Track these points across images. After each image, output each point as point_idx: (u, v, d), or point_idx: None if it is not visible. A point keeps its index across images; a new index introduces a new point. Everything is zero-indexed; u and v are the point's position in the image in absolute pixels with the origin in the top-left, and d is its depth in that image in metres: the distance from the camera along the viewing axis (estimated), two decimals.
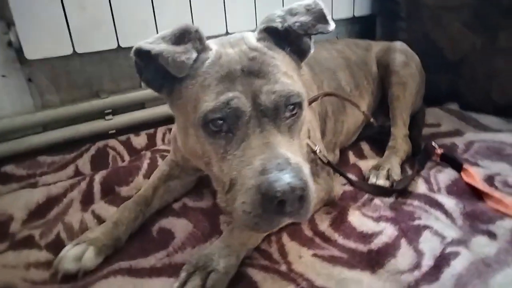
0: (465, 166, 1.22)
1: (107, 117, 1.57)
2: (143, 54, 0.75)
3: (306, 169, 0.72)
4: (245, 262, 0.90)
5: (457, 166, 1.25)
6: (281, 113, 0.75)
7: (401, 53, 1.44)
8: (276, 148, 0.71)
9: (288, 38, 0.84)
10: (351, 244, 0.94)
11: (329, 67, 1.34)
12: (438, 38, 1.76)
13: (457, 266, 0.80)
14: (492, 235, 0.94)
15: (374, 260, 0.88)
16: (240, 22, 1.65)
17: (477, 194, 1.12)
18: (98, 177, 1.29)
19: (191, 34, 0.77)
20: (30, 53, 1.29)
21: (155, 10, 1.46)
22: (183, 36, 0.76)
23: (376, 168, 1.25)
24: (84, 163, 1.45)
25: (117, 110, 1.61)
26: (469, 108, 1.72)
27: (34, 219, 1.14)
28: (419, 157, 1.32)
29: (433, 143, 1.33)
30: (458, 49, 1.72)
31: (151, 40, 0.76)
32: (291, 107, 0.77)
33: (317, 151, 1.02)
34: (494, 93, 1.67)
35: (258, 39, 0.83)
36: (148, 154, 1.45)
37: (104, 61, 1.56)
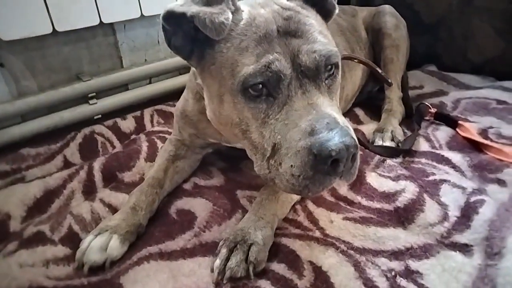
0: (461, 122, 1.28)
1: (91, 101, 1.47)
2: (172, 19, 0.70)
3: (351, 128, 0.71)
4: (278, 233, 0.90)
5: (452, 123, 1.31)
6: (321, 73, 0.74)
7: (391, 16, 1.46)
8: (321, 108, 0.70)
9: None
10: (376, 204, 0.96)
11: None
12: (415, 1, 1.80)
13: (486, 212, 0.84)
14: (502, 183, 1.00)
15: (403, 217, 0.91)
16: None
17: (476, 147, 1.18)
18: (97, 165, 1.21)
19: None
20: (6, 34, 1.17)
21: None
22: None
23: (380, 130, 1.28)
24: (72, 153, 1.36)
25: (100, 94, 1.51)
26: (447, 69, 1.79)
27: (35, 215, 1.06)
28: (415, 117, 1.36)
29: (426, 103, 1.38)
30: (434, 11, 1.77)
31: (181, 2, 0.71)
32: (329, 67, 0.75)
33: None
34: (470, 53, 1.74)
35: None
36: (143, 137, 1.38)
37: (82, 40, 1.44)
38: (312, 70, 0.72)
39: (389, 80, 1.08)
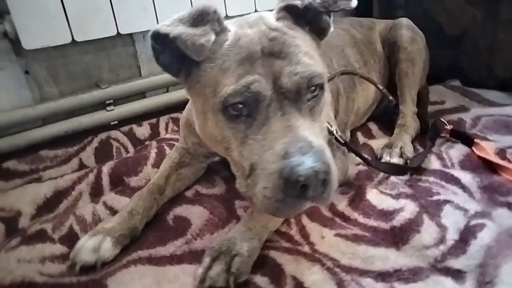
0: (476, 140, 1.22)
1: (108, 108, 1.54)
2: (160, 38, 0.72)
3: (328, 152, 0.70)
4: (267, 245, 0.89)
5: (468, 141, 1.25)
6: (303, 95, 0.73)
7: (408, 29, 1.42)
8: (298, 131, 0.69)
9: (307, 17, 0.81)
10: (372, 222, 0.93)
11: (337, 44, 1.32)
12: (437, 13, 1.74)
13: (484, 237, 0.79)
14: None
15: (398, 237, 0.87)
16: (239, 4, 1.61)
17: (491, 167, 1.12)
18: (106, 169, 1.26)
19: (209, 15, 0.73)
20: (28, 43, 1.25)
21: None
22: (201, 18, 0.73)
23: (389, 146, 1.24)
24: (88, 156, 1.42)
25: (117, 101, 1.57)
26: (471, 84, 1.71)
27: (43, 214, 1.12)
28: (429, 134, 1.31)
29: (442, 120, 1.33)
30: (458, 24, 1.71)
31: (168, 23, 0.73)
32: (313, 88, 0.74)
33: (334, 131, 1.00)
34: (496, 67, 1.66)
35: (278, 19, 0.79)
36: (154, 143, 1.42)
37: (102, 50, 1.51)
38: (293, 92, 0.72)
39: (390, 97, 1.04)
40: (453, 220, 0.88)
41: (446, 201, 0.95)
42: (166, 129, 1.61)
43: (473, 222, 0.85)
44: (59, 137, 1.45)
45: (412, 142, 1.34)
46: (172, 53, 0.75)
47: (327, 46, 1.27)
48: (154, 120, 1.64)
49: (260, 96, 0.70)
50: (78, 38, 1.32)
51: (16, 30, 1.22)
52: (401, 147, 1.22)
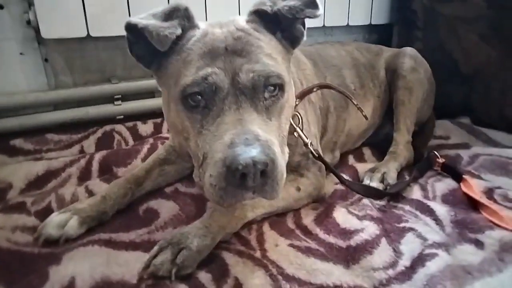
0: (465, 177, 1.18)
1: (116, 103, 1.62)
2: (133, 29, 0.77)
3: (276, 147, 0.72)
4: (222, 246, 0.90)
5: (458, 177, 1.21)
6: (259, 92, 0.76)
7: (410, 58, 1.42)
8: (247, 124, 0.71)
9: (281, 24, 0.85)
10: (330, 239, 0.93)
11: (335, 64, 1.34)
12: (453, 49, 1.72)
13: (431, 267, 0.77)
14: (479, 244, 0.90)
15: (350, 255, 0.86)
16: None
17: (474, 205, 1.08)
18: (98, 156, 1.32)
19: (180, 11, 0.80)
20: (46, 32, 1.35)
21: None
22: (172, 13, 0.79)
23: (372, 170, 1.23)
24: (89, 145, 1.49)
25: (127, 96, 1.65)
26: (481, 123, 1.67)
27: (32, 189, 1.19)
28: (418, 164, 1.29)
29: (435, 152, 1.30)
30: (473, 62, 1.68)
31: (142, 16, 0.79)
32: (271, 88, 0.77)
33: (309, 144, 1.01)
34: (507, 109, 1.61)
35: (247, 21, 0.85)
36: (151, 140, 1.48)
37: (118, 48, 1.61)
38: (249, 88, 0.75)
39: (364, 113, 1.05)
40: (410, 248, 0.86)
41: (410, 229, 0.93)
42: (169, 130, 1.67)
43: (427, 251, 0.83)
44: (66, 123, 1.54)
45: (402, 171, 1.32)
46: (146, 45, 0.80)
47: (323, 65, 1.30)
48: (158, 120, 1.70)
49: (217, 88, 0.74)
50: (93, 33, 1.42)
51: (37, 20, 1.33)
52: (384, 173, 1.20)
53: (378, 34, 2.21)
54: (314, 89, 1.05)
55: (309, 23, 2.03)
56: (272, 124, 0.78)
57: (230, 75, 0.75)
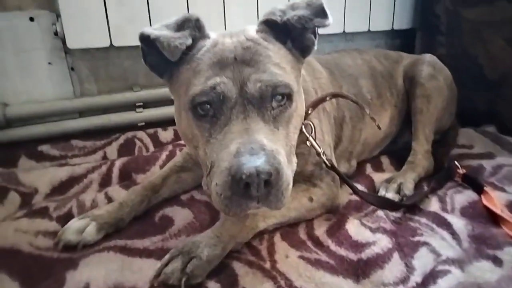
0: (487, 189, 1.15)
1: (138, 110, 1.67)
2: (146, 40, 0.80)
3: (281, 157, 0.72)
4: (233, 255, 0.91)
5: (479, 188, 1.18)
6: (267, 102, 0.77)
7: (428, 65, 1.39)
8: (254, 134, 0.72)
9: (291, 34, 0.86)
10: (341, 251, 0.92)
11: (351, 73, 1.33)
12: (478, 54, 1.67)
13: (442, 284, 0.76)
14: (497, 261, 0.87)
15: (361, 269, 0.85)
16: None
17: (495, 219, 1.05)
18: (118, 163, 1.37)
19: (191, 22, 0.82)
20: (72, 43, 1.42)
21: (189, 6, 1.54)
22: (184, 24, 0.81)
23: (388, 181, 1.21)
24: (112, 151, 1.54)
25: (148, 104, 1.70)
26: (508, 131, 1.60)
27: (55, 194, 1.24)
28: (438, 175, 1.26)
29: (456, 163, 1.27)
30: (498, 67, 1.62)
31: (155, 27, 0.82)
32: (279, 97, 0.78)
33: (321, 154, 1.01)
34: None
35: (257, 31, 0.86)
36: (170, 147, 1.51)
37: (140, 57, 1.65)
38: (257, 98, 0.76)
39: (377, 123, 1.03)
40: (423, 263, 0.85)
41: (425, 243, 0.91)
42: None
43: (439, 268, 0.81)
44: (91, 130, 1.60)
45: (420, 181, 1.29)
46: (159, 54, 0.82)
47: (340, 74, 1.29)
48: None
49: (225, 97, 0.75)
50: (116, 43, 1.47)
51: (64, 31, 1.39)
52: (400, 183, 1.18)
53: (400, 39, 2.17)
54: (327, 98, 1.04)
55: (329, 29, 2.02)
56: (279, 133, 0.78)
57: (239, 84, 0.76)
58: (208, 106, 0.77)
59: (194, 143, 0.83)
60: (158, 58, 0.84)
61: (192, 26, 0.82)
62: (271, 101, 0.78)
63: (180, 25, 0.82)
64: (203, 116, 0.78)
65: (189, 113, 0.80)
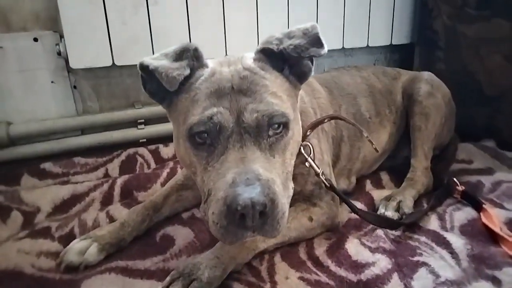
0: (485, 206, 1.15)
1: (139, 127, 1.69)
2: (146, 69, 0.82)
3: (277, 186, 0.73)
4: (233, 276, 0.92)
5: (478, 205, 1.18)
6: (263, 131, 0.78)
7: (426, 83, 1.40)
8: (250, 163, 0.74)
9: (289, 61, 0.87)
10: (341, 272, 0.92)
11: (350, 92, 1.34)
12: (477, 70, 1.69)
13: None
14: (496, 282, 0.88)
15: None
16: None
17: (494, 238, 1.05)
18: (120, 181, 1.38)
19: (189, 52, 0.83)
20: (75, 63, 1.44)
21: (190, 28, 1.57)
22: (182, 54, 0.83)
23: (387, 199, 1.22)
24: (113, 168, 1.56)
25: (149, 121, 1.72)
26: (507, 146, 1.61)
27: (57, 213, 1.25)
28: (437, 192, 1.27)
29: (454, 179, 1.27)
30: (497, 83, 1.64)
31: (155, 56, 0.84)
32: (276, 126, 0.79)
33: (320, 174, 1.02)
34: None
35: (254, 60, 0.87)
36: (171, 163, 1.52)
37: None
38: (253, 127, 0.77)
39: (374, 146, 1.04)
40: (422, 284, 0.85)
41: (424, 264, 0.92)
42: None
43: None
44: (93, 147, 1.62)
45: (420, 198, 1.30)
46: (158, 83, 0.83)
47: (339, 93, 1.31)
48: None
49: (221, 127, 0.77)
50: (118, 62, 1.50)
51: (67, 51, 1.42)
52: (399, 201, 1.19)
53: (399, 54, 2.19)
54: (325, 120, 1.06)
55: (328, 45, 2.04)
56: (276, 161, 0.79)
57: (236, 114, 0.78)
58: (206, 135, 0.79)
59: (192, 169, 0.85)
60: (157, 86, 0.85)
61: (190, 55, 0.83)
62: (268, 130, 0.79)
63: (179, 55, 0.83)
64: (200, 145, 0.80)
65: (187, 141, 0.81)
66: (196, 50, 0.85)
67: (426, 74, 1.45)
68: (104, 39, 1.46)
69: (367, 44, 1.97)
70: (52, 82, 1.55)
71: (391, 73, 1.53)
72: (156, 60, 0.82)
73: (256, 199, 0.67)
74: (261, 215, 0.69)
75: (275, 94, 0.81)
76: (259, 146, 0.78)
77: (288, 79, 0.89)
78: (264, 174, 0.73)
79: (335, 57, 2.04)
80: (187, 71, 0.82)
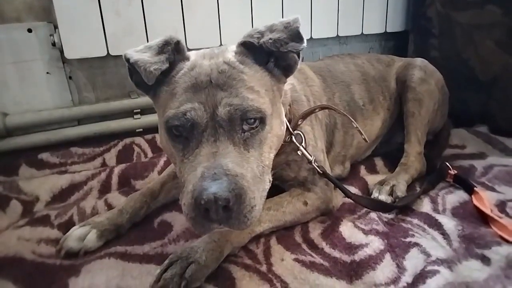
0: (477, 189, 1.18)
1: (135, 116, 1.69)
2: (129, 60, 0.83)
3: (245, 181, 0.74)
4: (230, 259, 0.94)
5: (469, 188, 1.21)
6: (237, 125, 0.79)
7: (420, 69, 1.42)
8: (220, 158, 0.75)
9: (274, 53, 0.86)
10: (335, 253, 0.95)
11: (344, 80, 1.36)
12: (470, 56, 1.70)
13: (431, 284, 0.78)
14: (486, 260, 0.90)
15: (354, 271, 0.88)
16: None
17: (484, 219, 1.08)
18: (117, 170, 1.39)
19: (171, 45, 0.84)
20: (70, 53, 1.45)
21: (184, 18, 1.57)
22: (163, 47, 0.84)
23: (381, 183, 1.24)
24: (111, 157, 1.57)
25: (145, 110, 1.72)
26: (501, 132, 1.63)
27: (56, 202, 1.27)
28: (430, 176, 1.29)
29: (447, 164, 1.30)
30: (490, 69, 1.65)
31: (139, 48, 0.85)
32: (251, 121, 0.80)
33: (313, 162, 1.04)
34: None
35: (235, 53, 0.87)
36: None
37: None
38: (226, 121, 0.78)
39: (364, 137, 1.05)
40: (413, 264, 0.87)
41: (416, 244, 0.94)
42: None
43: (429, 268, 0.84)
44: (90, 137, 1.63)
45: (413, 183, 1.32)
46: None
47: (332, 81, 1.32)
48: None
49: (195, 123, 0.78)
50: (112, 52, 1.50)
51: (62, 42, 1.42)
52: (393, 185, 1.21)
53: (394, 41, 2.20)
54: (317, 110, 1.07)
55: (323, 33, 2.04)
56: (250, 155, 0.80)
57: (211, 108, 0.78)
58: (182, 128, 0.80)
59: (173, 160, 0.88)
60: (142, 77, 0.85)
61: (171, 49, 0.84)
62: (241, 125, 0.80)
63: (161, 47, 0.84)
64: (177, 137, 0.81)
65: (166, 133, 0.83)
66: (178, 43, 0.85)
67: (419, 61, 1.46)
68: (98, 29, 1.46)
69: (362, 32, 1.98)
70: (47, 73, 1.55)
71: (385, 60, 1.54)
72: (139, 53, 0.83)
73: (219, 194, 0.68)
74: (226, 209, 0.70)
75: (252, 88, 0.82)
76: (233, 140, 0.79)
77: (272, 73, 0.89)
78: (233, 169, 0.74)
79: (329, 45, 2.05)
80: (165, 66, 0.82)
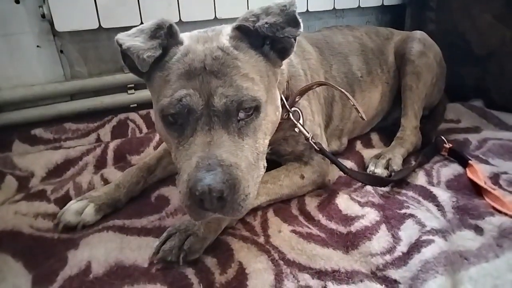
0: (471, 162, 1.19)
1: (129, 91, 1.67)
2: (121, 46, 0.80)
3: (239, 171, 0.73)
4: (228, 231, 0.95)
5: (464, 161, 1.22)
6: (232, 116, 0.78)
7: (419, 42, 1.40)
8: (215, 148, 0.74)
9: (269, 36, 0.83)
10: (332, 225, 0.96)
11: (341, 51, 1.34)
12: (467, 30, 1.69)
13: (426, 253, 0.80)
14: (479, 230, 0.92)
15: (350, 241, 0.90)
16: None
17: (478, 191, 1.09)
18: (112, 145, 1.39)
19: (163, 30, 0.81)
20: (60, 26, 1.40)
21: None
22: (156, 32, 0.80)
23: (377, 157, 1.25)
24: (105, 133, 1.56)
25: (140, 85, 1.69)
26: (495, 106, 1.64)
27: (52, 177, 1.26)
28: (425, 150, 1.30)
29: (442, 137, 1.30)
30: (486, 43, 1.64)
31: (131, 32, 0.82)
32: (247, 109, 0.79)
33: (310, 139, 1.03)
34: None
35: (230, 37, 0.84)
36: None
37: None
38: (222, 112, 0.77)
39: (361, 115, 1.03)
40: (408, 234, 0.89)
41: (411, 215, 0.95)
42: None
43: (424, 237, 0.85)
44: (83, 112, 1.60)
45: (409, 156, 1.33)
46: None
47: (330, 53, 1.31)
48: None
49: (191, 110, 0.77)
50: (104, 25, 1.46)
51: (51, 13, 1.38)
52: (389, 159, 1.22)
53: (391, 15, 2.17)
54: (314, 87, 1.06)
55: (319, 6, 2.00)
56: (245, 143, 0.79)
57: (206, 96, 0.77)
58: (177, 116, 0.79)
59: (168, 145, 0.87)
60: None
61: (164, 33, 0.81)
62: (237, 115, 0.79)
63: (154, 32, 0.81)
64: (172, 124, 0.80)
65: (161, 120, 0.82)
66: (170, 27, 0.82)
67: (419, 34, 1.45)
68: (89, 1, 1.41)
69: (359, 5, 1.95)
70: (37, 46, 1.51)
71: (384, 33, 1.52)
72: (131, 38, 0.80)
73: (213, 186, 0.68)
74: (220, 199, 0.70)
75: (247, 76, 0.80)
76: (228, 129, 0.78)
77: (267, 56, 0.86)
78: (227, 159, 0.73)
79: (326, 18, 2.01)
80: (158, 52, 0.79)
